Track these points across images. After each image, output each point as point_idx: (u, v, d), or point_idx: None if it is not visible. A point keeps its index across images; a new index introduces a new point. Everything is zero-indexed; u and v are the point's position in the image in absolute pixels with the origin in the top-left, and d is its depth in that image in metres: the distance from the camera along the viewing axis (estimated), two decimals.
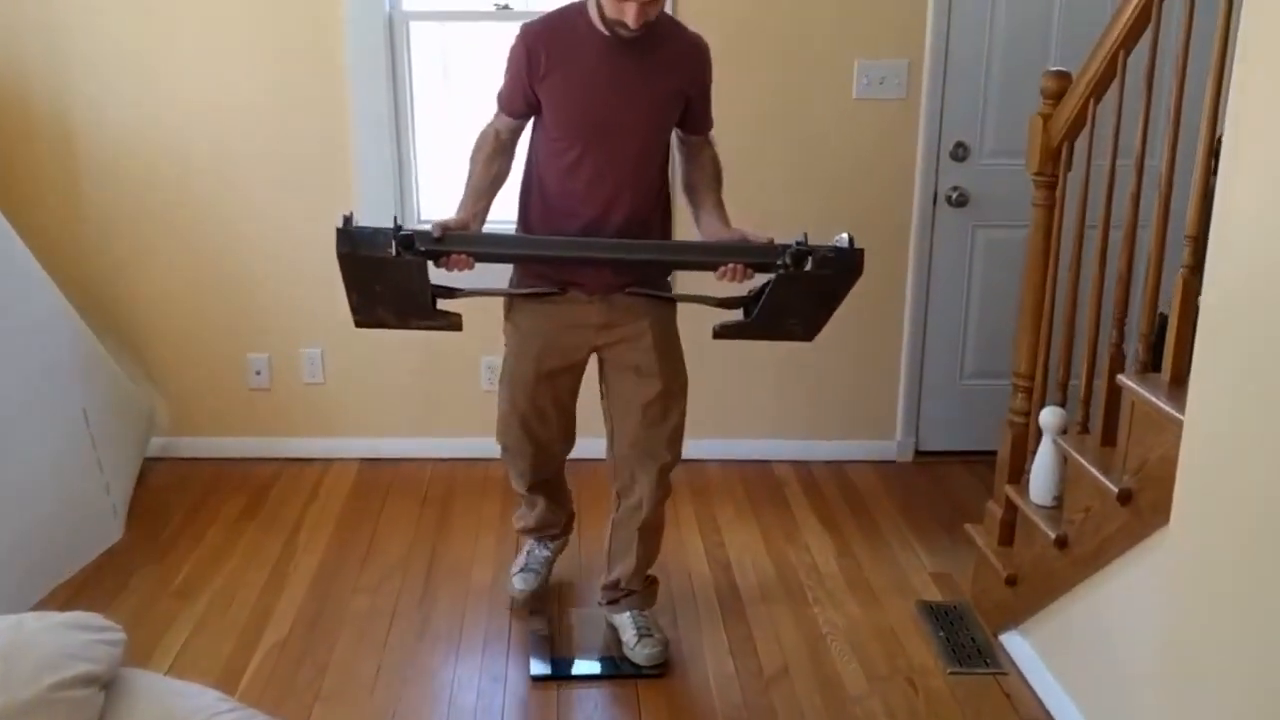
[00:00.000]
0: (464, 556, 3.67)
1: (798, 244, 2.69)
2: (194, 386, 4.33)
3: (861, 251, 2.72)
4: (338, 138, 4.08)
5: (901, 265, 4.26)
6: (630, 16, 2.59)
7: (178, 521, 3.87)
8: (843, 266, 2.72)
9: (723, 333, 2.92)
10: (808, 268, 2.70)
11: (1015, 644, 3.14)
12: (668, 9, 2.96)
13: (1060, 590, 2.89)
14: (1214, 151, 2.20)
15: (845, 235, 2.73)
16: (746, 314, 2.88)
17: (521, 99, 2.81)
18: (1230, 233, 1.83)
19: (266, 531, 3.81)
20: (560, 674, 3.05)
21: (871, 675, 3.06)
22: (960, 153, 4.15)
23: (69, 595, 3.36)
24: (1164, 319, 2.52)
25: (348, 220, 2.63)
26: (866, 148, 4.13)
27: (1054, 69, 3.05)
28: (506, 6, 4.18)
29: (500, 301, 2.99)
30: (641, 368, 2.93)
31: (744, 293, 2.87)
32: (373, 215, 2.74)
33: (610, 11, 2.62)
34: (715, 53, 2.89)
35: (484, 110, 2.95)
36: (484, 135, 2.89)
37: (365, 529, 3.85)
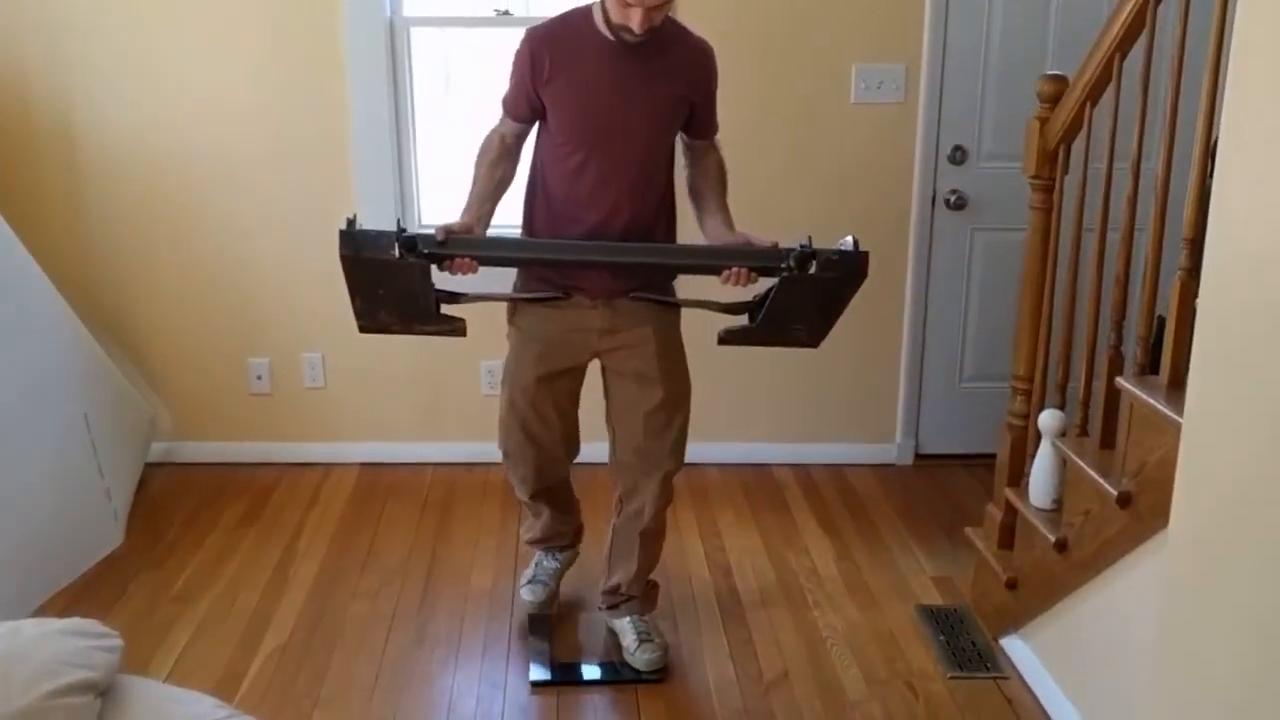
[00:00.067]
0: (464, 562, 3.67)
1: (802, 247, 2.68)
2: (195, 391, 4.34)
3: (866, 254, 2.71)
4: (339, 143, 4.09)
5: (900, 268, 4.26)
6: (635, 21, 2.59)
7: (178, 527, 3.87)
8: (847, 269, 2.71)
9: (728, 338, 2.91)
10: (812, 271, 2.69)
11: (1016, 648, 3.14)
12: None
13: (1060, 593, 2.89)
14: (1210, 154, 2.20)
15: (850, 238, 2.72)
16: (751, 319, 2.87)
17: (526, 103, 2.81)
18: (1227, 234, 1.82)
19: (267, 536, 3.81)
20: (560, 679, 3.05)
21: (871, 679, 3.05)
22: (958, 156, 4.15)
23: (69, 601, 3.36)
24: (1162, 321, 2.52)
25: (351, 223, 2.63)
26: (865, 151, 4.13)
27: (1050, 73, 3.05)
28: (507, 12, 4.18)
29: (501, 306, 2.99)
30: (644, 374, 2.93)
31: (749, 298, 2.86)
32: (374, 221, 2.74)
33: (615, 16, 2.62)
34: None
35: (485, 115, 2.95)
36: (489, 139, 2.89)
37: (365, 534, 3.85)
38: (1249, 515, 1.74)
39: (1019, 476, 3.17)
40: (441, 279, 2.72)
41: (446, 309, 2.81)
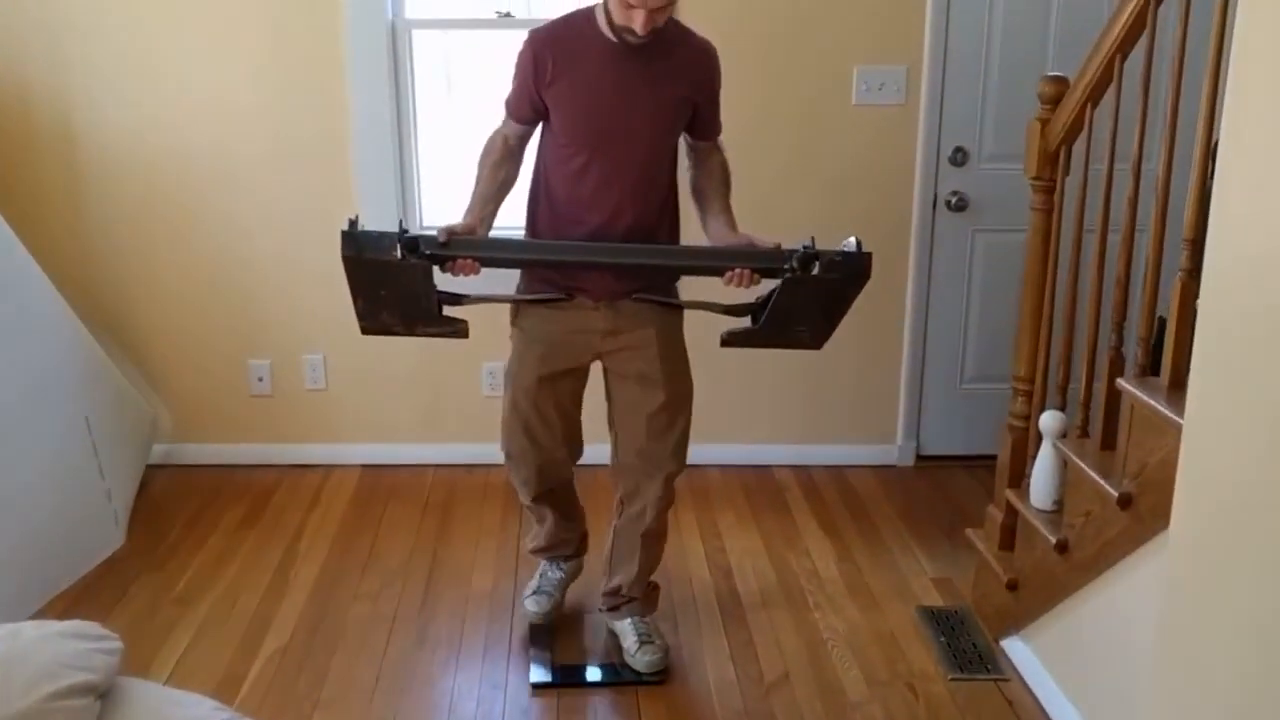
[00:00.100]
0: (464, 563, 3.67)
1: (805, 248, 2.68)
2: (196, 393, 4.34)
3: (869, 255, 2.70)
4: (340, 145, 4.09)
5: (902, 269, 4.26)
6: (638, 23, 2.59)
7: (179, 528, 3.87)
8: (850, 270, 2.71)
9: (731, 340, 2.91)
10: (815, 272, 2.68)
11: (1016, 649, 3.14)
12: None
13: (1061, 595, 2.89)
14: (1211, 155, 2.20)
15: (853, 239, 2.72)
16: (754, 320, 2.86)
17: (529, 105, 2.81)
18: (1227, 235, 1.82)
19: (268, 538, 3.81)
20: (561, 681, 3.05)
21: (872, 681, 3.05)
22: (959, 157, 4.15)
23: (70, 603, 3.36)
24: (1163, 322, 2.52)
25: (353, 224, 2.62)
26: (866, 153, 4.13)
27: (1051, 74, 3.05)
28: (508, 14, 4.19)
29: (502, 308, 2.99)
30: (646, 376, 2.92)
31: (751, 299, 2.86)
32: (375, 223, 2.74)
33: (618, 18, 2.62)
34: None
35: (487, 117, 2.95)
36: (491, 141, 2.89)
37: (366, 535, 3.85)
38: (1250, 516, 1.74)
39: (1020, 478, 3.17)
40: (444, 280, 2.72)
41: (449, 310, 2.80)
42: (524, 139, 2.90)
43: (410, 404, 4.37)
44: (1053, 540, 2.84)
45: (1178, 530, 1.98)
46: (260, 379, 4.33)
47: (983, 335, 4.33)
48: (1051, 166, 3.05)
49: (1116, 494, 2.53)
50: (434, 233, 2.68)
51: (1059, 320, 3.07)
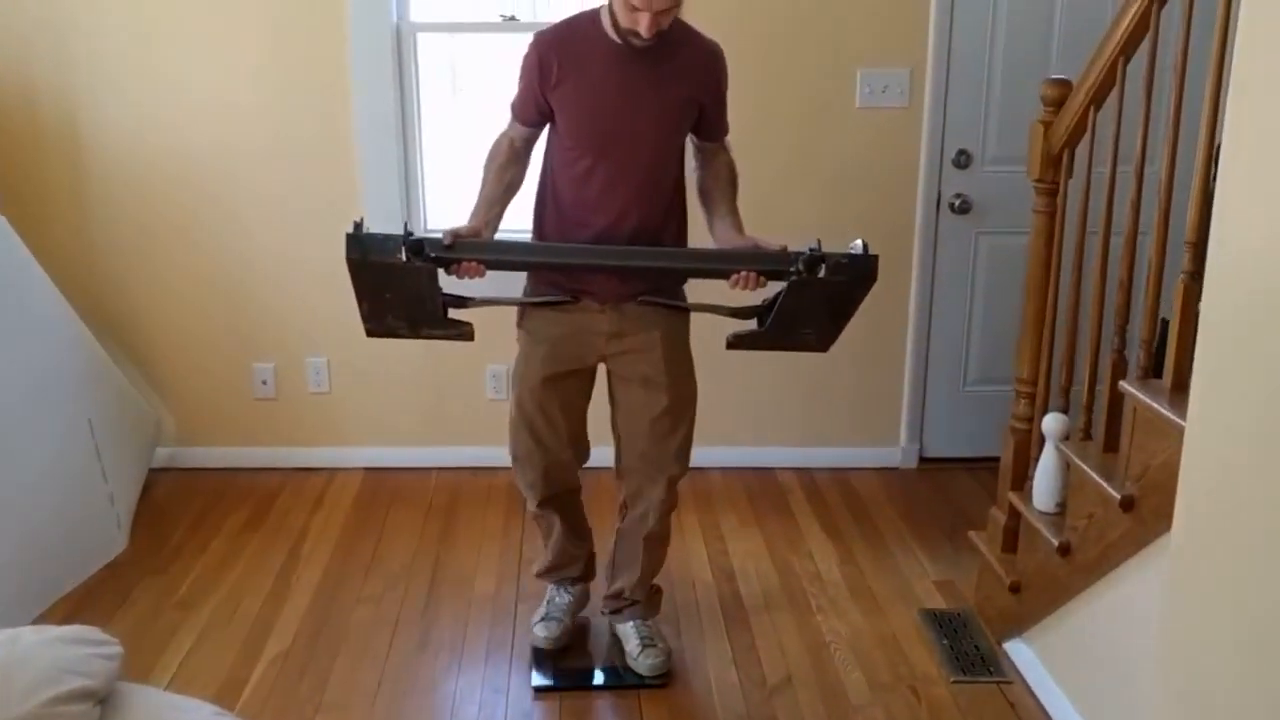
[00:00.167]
0: (467, 566, 3.66)
1: (811, 251, 2.67)
2: (200, 396, 4.34)
3: (876, 258, 2.70)
4: (344, 148, 4.09)
5: (905, 272, 4.25)
6: (643, 26, 2.58)
7: (182, 532, 3.87)
8: (857, 273, 2.70)
9: (737, 343, 2.90)
10: (821, 274, 2.68)
11: (1019, 652, 3.13)
12: None
13: (1064, 597, 2.88)
14: (1213, 157, 2.20)
15: (859, 242, 2.71)
16: (760, 323, 2.86)
17: (534, 107, 2.81)
18: (1229, 238, 1.82)
19: (271, 542, 3.81)
20: (562, 685, 3.05)
21: (874, 684, 3.05)
22: (963, 160, 4.14)
23: (72, 607, 3.36)
24: (1165, 325, 2.52)
25: (358, 226, 2.62)
26: (870, 155, 4.13)
27: (1054, 77, 3.05)
28: (513, 18, 4.19)
29: (507, 311, 2.98)
30: (650, 379, 2.91)
31: (758, 302, 2.85)
32: (380, 226, 2.74)
33: (623, 21, 2.62)
34: None
35: (492, 120, 2.95)
36: (497, 143, 2.89)
37: (369, 539, 3.85)
38: (1252, 518, 1.74)
39: (1022, 480, 3.17)
40: (449, 283, 2.72)
41: (454, 313, 2.80)
42: (530, 141, 2.89)
43: (414, 407, 4.37)
44: (1055, 542, 2.83)
45: (1180, 532, 1.97)
46: (264, 382, 4.33)
47: (986, 337, 4.32)
48: (1054, 169, 3.04)
49: (1119, 496, 2.52)
50: (439, 235, 2.68)
51: (1062, 322, 3.07)
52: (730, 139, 2.97)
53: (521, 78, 2.81)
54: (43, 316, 3.58)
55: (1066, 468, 2.90)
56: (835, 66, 4.05)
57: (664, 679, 3.04)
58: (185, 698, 1.91)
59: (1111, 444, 2.74)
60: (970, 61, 4.06)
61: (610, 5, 2.66)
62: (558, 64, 2.74)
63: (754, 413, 4.38)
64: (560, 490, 3.13)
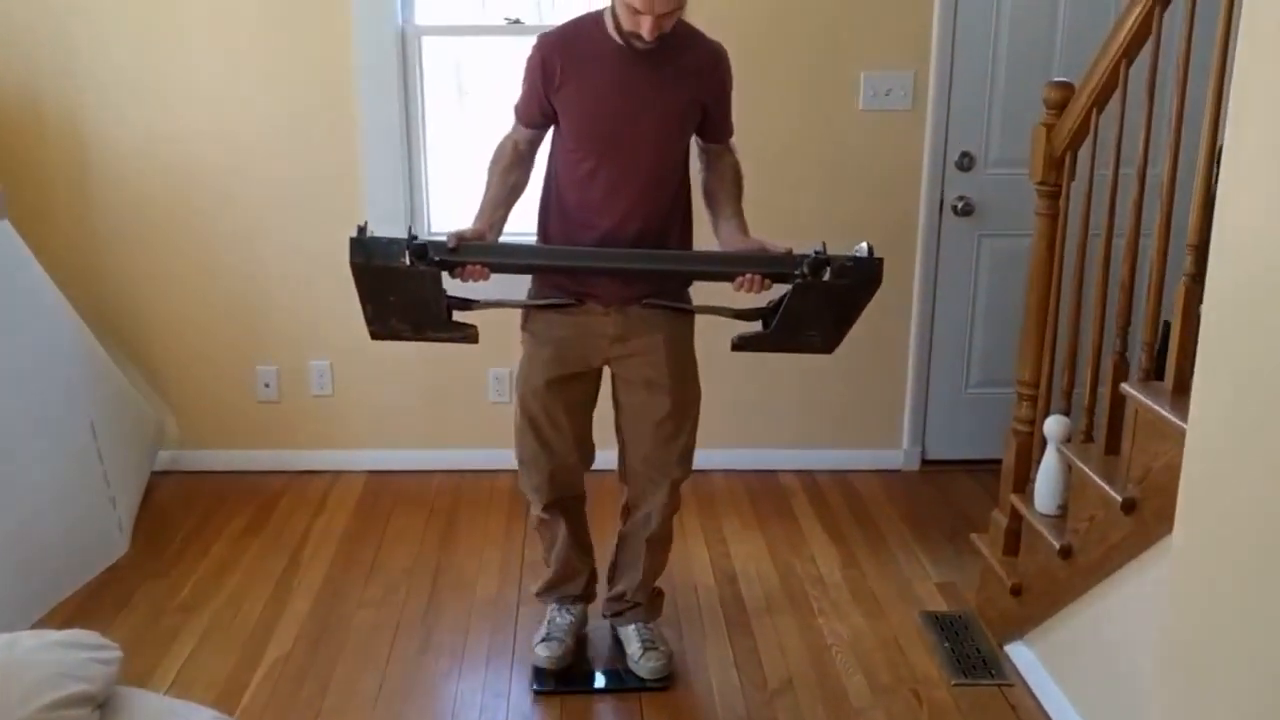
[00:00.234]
0: (469, 569, 3.66)
1: (816, 253, 2.67)
2: (202, 399, 4.34)
3: (881, 261, 2.69)
4: (348, 151, 4.09)
5: (908, 274, 4.25)
6: (645, 29, 2.58)
7: (183, 536, 3.87)
8: (862, 276, 2.70)
9: (741, 345, 2.89)
10: (826, 277, 2.68)
11: (1020, 654, 3.12)
12: None
13: (1065, 600, 2.88)
14: (1215, 160, 2.19)
15: (865, 245, 2.71)
16: (765, 325, 2.86)
17: (538, 109, 2.80)
18: (1231, 240, 1.82)
19: (272, 545, 3.81)
20: (563, 688, 3.04)
21: (876, 687, 3.04)
22: (966, 162, 4.14)
23: (73, 610, 3.36)
24: (1167, 327, 2.51)
25: (362, 230, 2.62)
26: (873, 158, 4.13)
27: (1057, 79, 3.05)
28: (518, 21, 4.19)
29: (511, 315, 2.97)
30: (654, 382, 2.91)
31: (762, 304, 2.85)
32: (384, 229, 2.73)
33: (626, 24, 2.62)
34: None
35: (497, 124, 2.94)
36: (501, 146, 2.89)
37: (371, 542, 3.84)
38: (1253, 521, 1.73)
39: (1024, 482, 3.16)
40: (454, 285, 2.72)
41: (458, 316, 2.80)
42: (534, 144, 2.89)
43: (416, 410, 4.37)
44: (1057, 545, 2.83)
45: (1181, 535, 1.97)
46: (267, 385, 4.33)
47: (988, 340, 4.32)
48: (1057, 171, 3.04)
49: (1121, 499, 2.52)
50: (443, 238, 2.68)
51: (1064, 325, 3.07)
52: (735, 141, 2.96)
53: (525, 80, 2.81)
54: (45, 318, 3.58)
55: (1068, 470, 2.90)
56: (838, 69, 4.05)
57: (665, 682, 3.04)
58: (185, 702, 1.91)
59: (1113, 446, 2.73)
60: (973, 64, 4.06)
61: (613, 7, 2.66)
62: (561, 66, 2.73)
63: (756, 415, 4.37)
64: (566, 494, 3.11)
